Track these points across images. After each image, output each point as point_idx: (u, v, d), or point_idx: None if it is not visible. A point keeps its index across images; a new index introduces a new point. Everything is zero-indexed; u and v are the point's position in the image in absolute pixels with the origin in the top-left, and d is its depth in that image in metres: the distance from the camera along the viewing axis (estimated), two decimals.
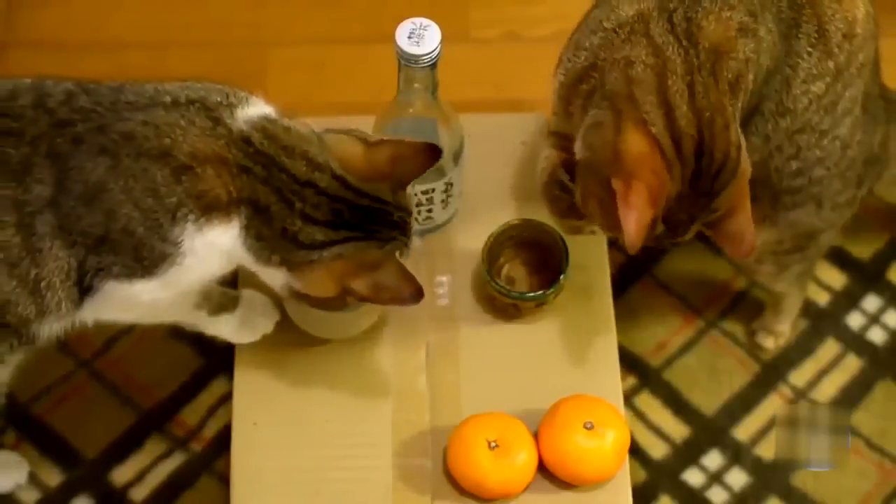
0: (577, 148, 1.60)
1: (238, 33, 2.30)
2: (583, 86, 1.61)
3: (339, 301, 1.57)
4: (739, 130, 1.56)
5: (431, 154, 1.54)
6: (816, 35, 1.61)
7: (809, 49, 1.61)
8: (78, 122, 1.51)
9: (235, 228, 1.52)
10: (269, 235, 1.52)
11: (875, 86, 1.75)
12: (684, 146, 1.53)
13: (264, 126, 1.53)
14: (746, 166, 1.57)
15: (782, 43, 1.60)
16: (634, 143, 1.52)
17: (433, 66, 1.66)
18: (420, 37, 1.64)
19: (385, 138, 1.56)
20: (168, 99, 1.52)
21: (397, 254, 1.56)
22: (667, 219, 1.56)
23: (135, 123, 1.50)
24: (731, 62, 1.55)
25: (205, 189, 1.49)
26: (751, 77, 1.57)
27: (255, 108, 1.55)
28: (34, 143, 1.50)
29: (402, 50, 1.64)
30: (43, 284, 1.53)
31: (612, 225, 1.56)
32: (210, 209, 1.50)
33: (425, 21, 1.64)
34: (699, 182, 1.54)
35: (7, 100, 1.52)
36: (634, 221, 1.51)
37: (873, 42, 1.68)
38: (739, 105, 1.57)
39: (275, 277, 1.56)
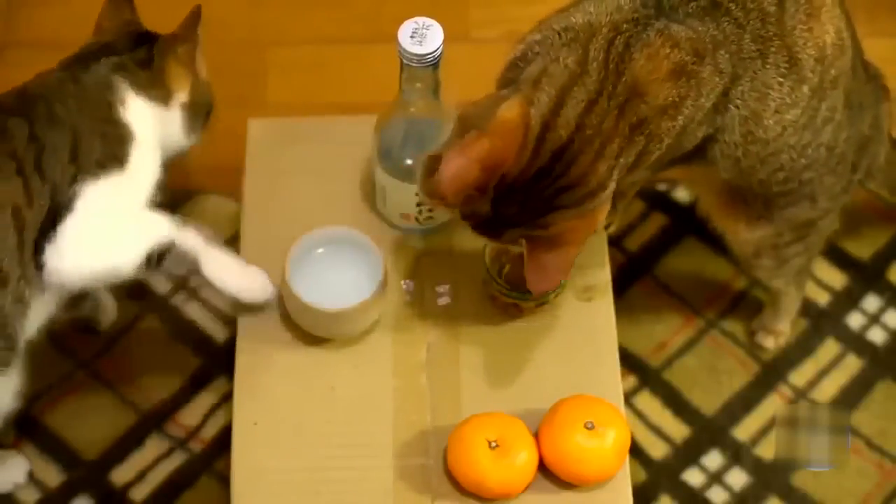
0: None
1: (238, 33, 2.29)
2: (508, 74, 1.62)
3: None
4: (614, 177, 1.54)
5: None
6: (787, 65, 1.59)
7: (780, 79, 1.59)
8: None
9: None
10: None
11: (856, 80, 1.73)
12: (547, 140, 1.52)
13: None
14: (599, 215, 1.56)
15: (743, 79, 1.58)
16: (509, 110, 1.53)
17: (435, 65, 1.66)
18: (423, 36, 1.64)
19: None
20: None
21: None
22: (496, 201, 1.55)
23: None
24: (642, 106, 1.53)
25: None
26: (670, 123, 1.55)
27: None
28: None
29: (404, 49, 1.64)
30: None
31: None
32: None
33: (428, 21, 1.64)
34: (542, 183, 1.54)
35: None
36: (456, 167, 1.52)
37: (846, 54, 1.66)
38: (637, 150, 1.55)
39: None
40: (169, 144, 1.75)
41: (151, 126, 1.73)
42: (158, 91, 1.74)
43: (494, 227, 1.59)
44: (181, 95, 1.75)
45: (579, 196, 1.54)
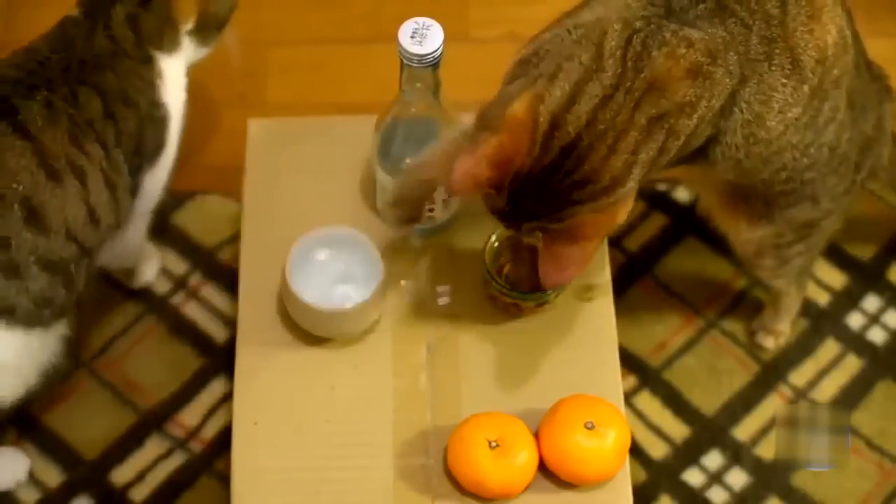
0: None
1: (238, 33, 2.29)
2: (518, 71, 1.62)
3: None
4: (635, 173, 1.53)
5: None
6: (790, 66, 1.59)
7: (784, 80, 1.59)
8: None
9: None
10: None
11: (860, 80, 1.73)
12: (555, 137, 1.52)
13: None
14: (619, 211, 1.55)
15: (750, 81, 1.58)
16: (518, 108, 1.53)
17: (436, 65, 1.66)
18: (423, 36, 1.64)
19: None
20: None
21: None
22: (512, 195, 1.55)
23: None
24: (662, 101, 1.53)
25: None
26: (687, 122, 1.55)
27: None
28: None
29: (404, 49, 1.64)
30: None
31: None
32: None
33: (428, 21, 1.64)
34: (554, 178, 1.53)
35: None
36: (467, 165, 1.54)
37: (848, 53, 1.66)
38: (658, 145, 1.54)
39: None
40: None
41: (180, 85, 1.81)
42: (169, 34, 1.79)
43: (515, 220, 1.58)
44: (187, 25, 1.81)
45: (593, 191, 1.53)
